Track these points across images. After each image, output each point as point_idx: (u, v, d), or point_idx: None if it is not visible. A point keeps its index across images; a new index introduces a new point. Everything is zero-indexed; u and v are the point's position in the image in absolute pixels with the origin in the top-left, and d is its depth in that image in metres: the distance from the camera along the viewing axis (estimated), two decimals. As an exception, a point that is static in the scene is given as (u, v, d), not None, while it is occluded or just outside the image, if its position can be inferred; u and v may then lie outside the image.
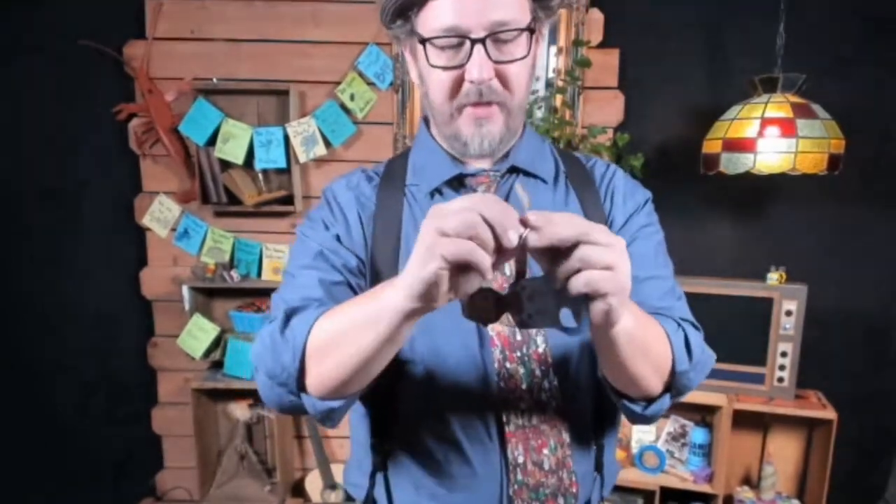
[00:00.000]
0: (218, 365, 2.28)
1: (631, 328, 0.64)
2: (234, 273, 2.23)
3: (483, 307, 0.61)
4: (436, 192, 0.84)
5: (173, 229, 2.29)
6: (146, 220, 2.28)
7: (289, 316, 0.71)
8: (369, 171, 0.89)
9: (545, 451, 0.79)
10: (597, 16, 2.14)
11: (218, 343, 2.26)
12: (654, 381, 0.74)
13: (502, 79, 0.73)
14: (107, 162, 2.29)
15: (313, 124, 2.19)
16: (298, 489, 2.44)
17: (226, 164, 2.21)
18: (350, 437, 0.94)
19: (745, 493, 2.14)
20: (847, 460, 2.07)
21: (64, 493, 2.51)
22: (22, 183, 2.30)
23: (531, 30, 0.73)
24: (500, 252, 0.55)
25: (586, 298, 0.55)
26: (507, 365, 0.78)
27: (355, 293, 0.79)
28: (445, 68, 0.73)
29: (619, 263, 0.54)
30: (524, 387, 0.78)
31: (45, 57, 2.21)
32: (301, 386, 0.69)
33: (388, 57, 2.20)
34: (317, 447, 2.35)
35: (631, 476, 2.11)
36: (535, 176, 0.85)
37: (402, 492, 0.84)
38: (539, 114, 2.15)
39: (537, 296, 0.58)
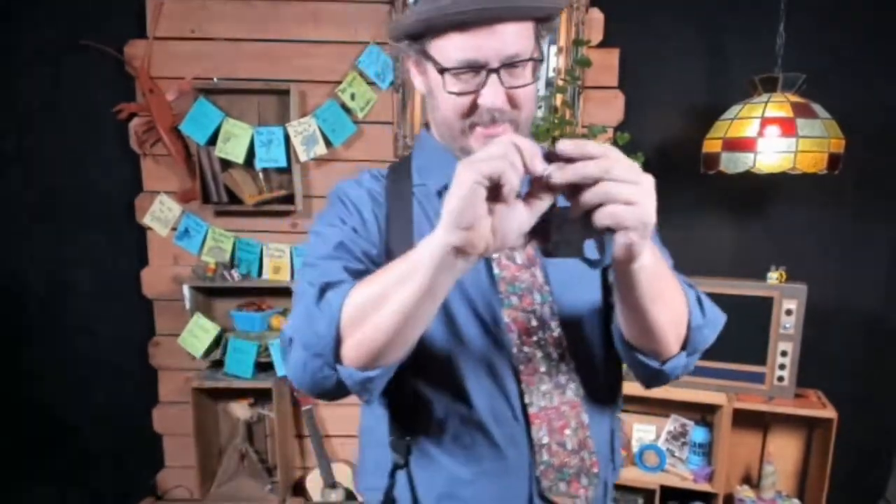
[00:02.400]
0: (218, 364, 2.28)
1: (651, 266, 0.66)
2: (235, 272, 2.24)
3: None
4: (444, 191, 0.85)
5: (174, 229, 2.30)
6: (147, 220, 2.29)
7: (323, 289, 0.72)
8: (374, 171, 0.93)
9: (567, 431, 0.83)
10: (597, 16, 2.15)
11: (218, 342, 2.26)
12: (671, 334, 0.76)
13: (512, 101, 0.79)
14: (107, 162, 2.29)
15: (314, 124, 2.19)
16: (299, 488, 2.45)
17: (226, 164, 2.21)
18: (361, 441, 0.96)
19: (745, 492, 2.14)
20: (847, 460, 2.07)
21: (64, 492, 2.51)
22: (22, 183, 2.30)
23: (539, 60, 0.80)
24: (530, 192, 0.60)
25: (609, 231, 0.58)
26: (525, 349, 0.82)
27: None
28: (461, 94, 0.78)
29: (642, 200, 0.57)
30: (543, 370, 0.83)
31: (46, 57, 2.21)
32: (337, 356, 0.69)
33: (389, 57, 2.20)
34: (317, 446, 2.35)
35: (631, 475, 2.11)
36: None
37: (428, 483, 0.86)
38: (539, 113, 2.15)
39: (565, 225, 0.61)
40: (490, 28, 0.74)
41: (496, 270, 0.83)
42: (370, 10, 2.18)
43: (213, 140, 2.16)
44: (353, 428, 2.60)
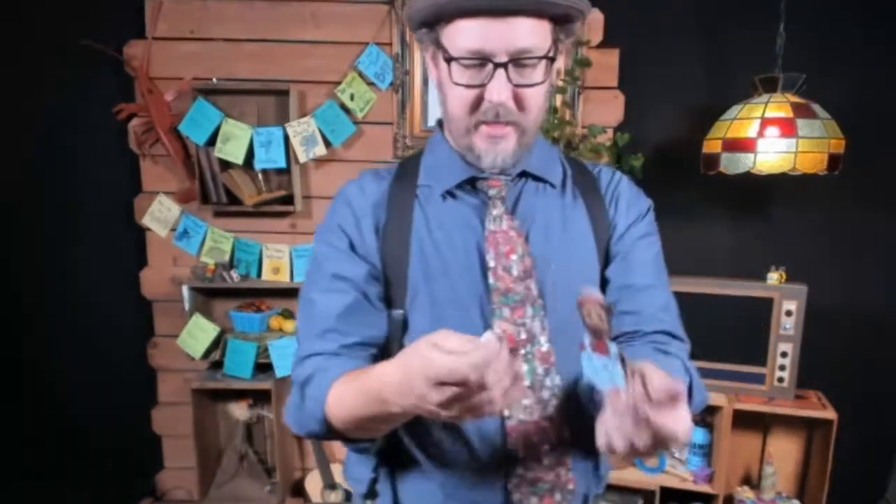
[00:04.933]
0: (218, 365, 2.28)
1: None
2: (234, 273, 2.23)
3: None
4: (447, 195, 0.87)
5: (173, 229, 2.29)
6: (146, 220, 2.28)
7: (302, 387, 0.79)
8: (381, 171, 0.92)
9: (545, 447, 0.81)
10: (597, 16, 2.14)
11: (218, 343, 2.26)
12: None
13: (518, 101, 0.77)
14: (107, 162, 2.29)
15: (313, 124, 2.19)
16: (298, 489, 2.44)
17: (225, 164, 2.21)
18: None
19: (745, 493, 2.14)
20: (847, 460, 2.06)
21: (64, 493, 2.50)
22: (22, 183, 2.30)
23: (551, 59, 0.77)
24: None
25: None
26: None
27: (373, 304, 0.84)
28: (467, 86, 0.76)
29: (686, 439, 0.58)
30: (527, 384, 0.80)
31: (46, 57, 2.21)
32: (339, 438, 0.78)
33: (388, 57, 2.20)
34: (316, 447, 2.35)
35: (631, 476, 2.11)
36: (543, 181, 0.89)
37: (409, 482, 0.87)
38: (539, 114, 2.14)
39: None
40: (502, 19, 0.72)
41: (491, 280, 0.81)
42: (370, 10, 2.18)
43: (212, 141, 2.16)
44: (353, 429, 2.56)
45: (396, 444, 0.87)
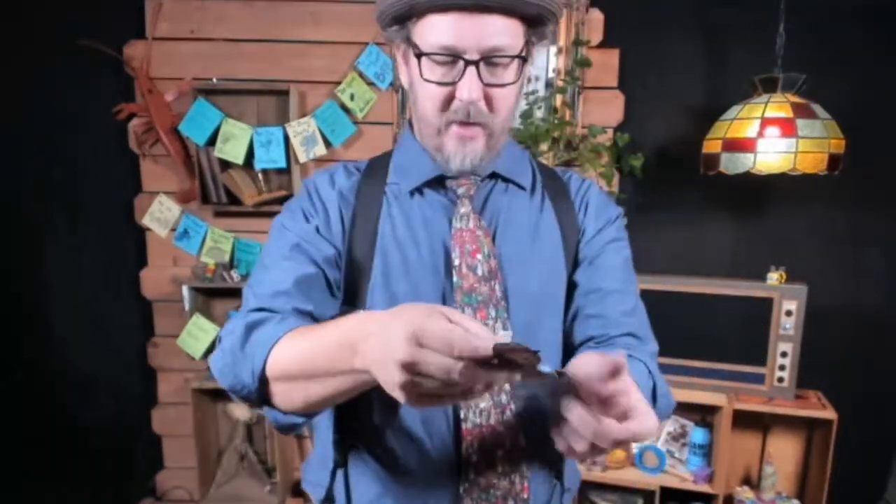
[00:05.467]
0: (218, 365, 2.28)
1: None
2: (234, 273, 2.23)
3: None
4: (416, 192, 0.86)
5: (173, 229, 2.29)
6: (146, 220, 2.28)
7: (249, 329, 0.72)
8: (350, 166, 0.91)
9: (499, 452, 0.79)
10: (597, 16, 2.14)
11: (218, 343, 2.26)
12: None
13: (489, 101, 0.76)
14: (107, 162, 2.29)
15: (313, 124, 2.19)
16: (298, 489, 2.44)
17: (226, 164, 2.20)
18: (313, 435, 0.96)
19: (745, 493, 2.14)
20: (847, 460, 2.06)
21: (64, 493, 2.50)
22: (22, 183, 2.30)
23: (524, 58, 0.76)
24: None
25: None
26: None
27: (329, 287, 0.81)
28: (438, 84, 0.75)
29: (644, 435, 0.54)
30: None
31: (46, 57, 2.21)
32: (263, 399, 0.71)
33: (388, 57, 2.20)
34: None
35: (631, 476, 2.11)
36: (513, 183, 0.88)
37: (361, 487, 0.85)
38: (539, 114, 2.14)
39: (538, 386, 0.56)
40: (474, 16, 0.71)
41: (455, 279, 0.80)
42: (370, 10, 2.16)
43: (212, 141, 2.16)
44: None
45: (351, 447, 0.85)
